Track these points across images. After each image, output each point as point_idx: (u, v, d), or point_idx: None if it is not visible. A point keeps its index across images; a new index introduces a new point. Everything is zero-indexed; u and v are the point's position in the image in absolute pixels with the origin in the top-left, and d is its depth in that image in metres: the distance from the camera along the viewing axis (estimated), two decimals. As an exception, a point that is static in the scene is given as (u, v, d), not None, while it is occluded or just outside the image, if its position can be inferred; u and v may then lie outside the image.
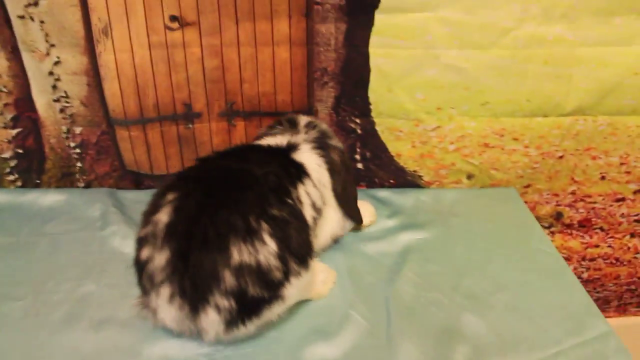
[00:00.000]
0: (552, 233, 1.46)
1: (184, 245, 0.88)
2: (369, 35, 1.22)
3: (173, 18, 1.20)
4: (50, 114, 1.29)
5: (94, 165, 1.35)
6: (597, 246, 1.47)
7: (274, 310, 0.94)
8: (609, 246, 1.47)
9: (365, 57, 1.24)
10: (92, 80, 1.24)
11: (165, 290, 0.89)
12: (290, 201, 0.97)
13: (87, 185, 1.38)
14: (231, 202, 0.91)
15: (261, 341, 0.98)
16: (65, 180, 1.37)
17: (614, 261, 1.48)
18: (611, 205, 1.41)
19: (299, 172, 1.06)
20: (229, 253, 0.87)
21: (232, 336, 0.93)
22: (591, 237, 1.46)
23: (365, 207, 1.28)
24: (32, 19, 1.18)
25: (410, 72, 1.25)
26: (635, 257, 1.48)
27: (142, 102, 1.27)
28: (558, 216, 1.44)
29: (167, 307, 0.90)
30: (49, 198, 1.34)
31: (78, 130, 1.31)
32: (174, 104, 1.28)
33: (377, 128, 1.33)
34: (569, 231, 1.46)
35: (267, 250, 0.89)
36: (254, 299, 0.89)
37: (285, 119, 1.19)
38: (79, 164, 1.35)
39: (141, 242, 0.93)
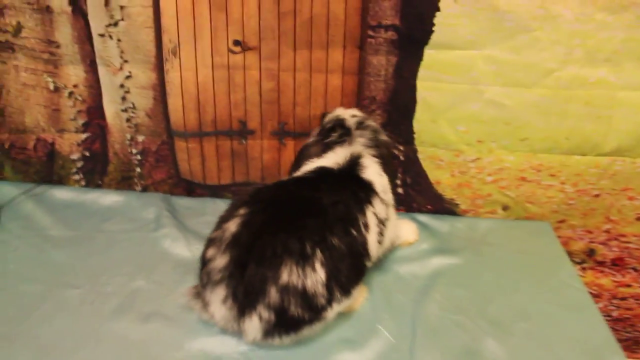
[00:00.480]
0: (584, 269, 1.49)
1: (243, 256, 0.98)
2: (418, 69, 1.29)
3: (236, 42, 1.31)
4: (117, 122, 1.41)
5: (151, 172, 1.47)
6: (629, 286, 1.48)
7: (313, 329, 1.02)
8: (642, 287, 1.48)
9: (413, 88, 1.32)
10: (158, 95, 1.36)
11: (220, 290, 0.99)
12: (354, 232, 1.05)
13: (144, 190, 1.50)
14: (292, 226, 1.00)
15: (292, 345, 1.05)
16: (124, 183, 1.49)
17: (645, 303, 1.50)
18: (646, 247, 1.43)
19: (368, 194, 1.13)
20: (279, 273, 0.96)
21: (267, 344, 1.02)
22: (623, 276, 1.48)
23: (410, 226, 1.36)
24: (110, 37, 1.31)
25: (454, 106, 1.32)
26: (667, 301, 1.49)
27: (201, 117, 1.38)
28: (591, 253, 1.47)
29: (219, 305, 1.00)
30: (109, 198, 1.47)
31: (141, 138, 1.43)
32: (230, 120, 1.39)
33: (419, 156, 1.40)
34: (600, 268, 1.48)
35: (315, 278, 0.97)
36: (293, 318, 0.98)
37: (336, 123, 1.23)
38: (138, 169, 1.47)
39: (209, 243, 1.04)
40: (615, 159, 1.34)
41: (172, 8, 1.27)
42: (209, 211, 1.43)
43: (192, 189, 1.49)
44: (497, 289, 1.22)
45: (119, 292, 1.17)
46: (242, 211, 1.03)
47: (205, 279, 1.02)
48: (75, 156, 1.46)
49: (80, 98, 1.39)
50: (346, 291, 1.03)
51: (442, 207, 1.45)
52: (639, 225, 1.41)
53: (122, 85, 1.36)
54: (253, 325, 0.98)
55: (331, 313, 1.02)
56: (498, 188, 1.41)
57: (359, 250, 1.06)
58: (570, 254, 1.39)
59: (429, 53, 1.28)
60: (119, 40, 1.31)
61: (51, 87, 1.38)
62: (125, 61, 1.33)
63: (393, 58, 1.29)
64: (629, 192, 1.38)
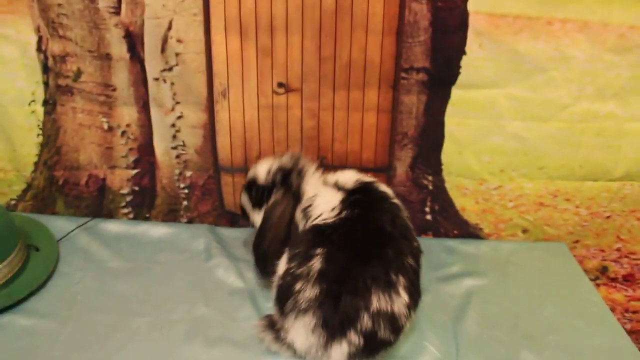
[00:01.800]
0: (598, 285, 1.62)
1: (335, 288, 1.08)
2: (446, 106, 1.43)
3: (280, 84, 1.43)
4: (167, 159, 1.52)
5: (197, 204, 1.58)
6: None
7: (387, 351, 1.13)
8: (651, 300, 1.62)
9: (441, 124, 1.45)
10: (207, 133, 1.47)
11: (308, 319, 1.08)
12: (415, 244, 1.17)
13: (189, 221, 1.60)
14: (375, 259, 1.10)
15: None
16: (171, 215, 1.60)
17: (654, 315, 1.63)
18: (653, 263, 1.57)
19: (392, 202, 1.23)
20: (370, 300, 1.06)
21: None
22: (634, 290, 1.61)
23: None
24: (164, 81, 1.42)
25: (478, 139, 1.45)
26: (675, 312, 1.62)
27: (247, 154, 1.49)
28: (603, 270, 1.60)
29: (305, 332, 1.09)
30: (158, 230, 1.56)
31: (188, 173, 1.53)
32: (273, 156, 1.50)
33: (446, 185, 1.52)
34: (613, 284, 1.61)
35: (401, 302, 1.09)
36: (381, 341, 1.08)
37: (277, 174, 1.31)
38: (185, 202, 1.57)
39: (296, 278, 1.11)
40: (624, 183, 1.48)
41: (222, 54, 1.39)
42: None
43: (235, 220, 1.59)
44: (525, 306, 1.35)
45: (184, 319, 1.26)
46: (319, 251, 1.11)
47: (289, 309, 1.10)
48: (125, 190, 1.57)
49: (132, 136, 1.50)
50: (416, 308, 1.14)
51: (467, 231, 1.58)
52: (647, 244, 1.56)
53: (173, 125, 1.47)
54: (341, 351, 1.07)
55: (402, 335, 1.13)
56: (518, 213, 1.55)
57: (420, 260, 1.17)
58: (585, 271, 1.52)
59: (456, 92, 1.41)
60: (172, 83, 1.42)
61: (105, 126, 1.49)
62: (178, 102, 1.44)
63: (423, 97, 1.43)
64: (637, 214, 1.52)
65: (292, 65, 1.41)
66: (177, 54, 1.38)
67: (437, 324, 1.28)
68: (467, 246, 1.56)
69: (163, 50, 1.38)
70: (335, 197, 1.23)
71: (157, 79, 1.42)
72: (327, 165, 1.52)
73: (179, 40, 1.37)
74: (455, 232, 1.58)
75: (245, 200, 1.37)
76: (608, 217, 1.53)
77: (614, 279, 1.61)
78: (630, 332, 1.63)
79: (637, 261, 1.58)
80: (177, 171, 1.54)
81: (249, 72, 1.41)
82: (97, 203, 1.58)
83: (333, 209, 1.20)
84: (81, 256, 1.45)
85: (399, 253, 1.13)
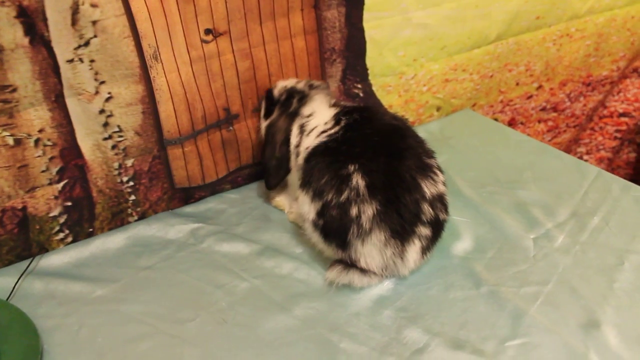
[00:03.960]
0: (492, 137, 1.91)
1: (391, 195, 1.07)
2: (362, 13, 1.48)
3: (207, 31, 1.30)
4: (98, 155, 1.27)
5: (147, 194, 1.36)
6: (521, 137, 1.96)
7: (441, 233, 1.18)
8: (527, 134, 1.97)
9: (362, 31, 1.50)
10: (148, 107, 1.27)
11: (376, 236, 1.07)
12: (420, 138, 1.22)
13: (141, 217, 1.38)
14: (404, 152, 1.12)
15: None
16: (117, 219, 1.35)
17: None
18: (525, 103, 1.91)
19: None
20: (422, 190, 1.09)
21: (421, 263, 1.15)
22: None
23: None
24: (81, 60, 1.17)
25: (393, 36, 1.55)
26: (543, 138, 2.01)
27: (192, 116, 1.33)
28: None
29: (376, 251, 1.08)
30: (116, 239, 1.32)
31: (130, 162, 1.31)
32: (217, 111, 1.37)
33: (374, 88, 1.60)
34: (503, 131, 1.92)
35: (440, 180, 1.14)
36: (443, 222, 1.14)
37: (289, 93, 1.32)
38: (132, 197, 1.35)
39: (345, 204, 1.07)
40: (497, 43, 1.75)
41: (144, 11, 1.19)
42: (225, 206, 1.42)
43: (189, 195, 1.42)
44: (488, 162, 1.55)
45: (235, 301, 1.13)
46: (351, 167, 1.08)
47: (353, 236, 1.07)
48: (55, 212, 1.27)
49: (49, 143, 1.21)
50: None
51: (398, 125, 1.69)
52: (519, 89, 1.87)
53: (102, 111, 1.23)
54: (415, 248, 1.09)
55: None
56: (432, 94, 1.71)
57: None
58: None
59: (367, -3, 1.48)
60: (91, 61, 1.17)
61: (10, 141, 1.17)
62: (102, 82, 1.20)
63: (342, 9, 1.45)
64: (508, 66, 1.82)
65: (215, 7, 1.28)
66: (93, 23, 1.14)
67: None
68: (406, 138, 1.68)
69: (74, 22, 1.12)
70: (329, 112, 1.24)
71: (71, 61, 1.16)
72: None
73: (93, 5, 1.12)
74: (389, 130, 1.68)
75: (262, 105, 1.39)
76: (491, 76, 1.80)
77: (502, 127, 1.92)
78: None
79: (514, 107, 1.90)
80: (116, 164, 1.29)
81: (174, 25, 1.24)
82: (21, 242, 1.25)
83: (327, 122, 1.20)
84: (52, 303, 1.15)
85: (416, 138, 1.19)
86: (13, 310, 1.11)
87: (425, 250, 1.12)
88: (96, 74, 1.19)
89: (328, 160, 1.12)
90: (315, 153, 1.16)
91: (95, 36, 1.16)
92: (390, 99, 1.65)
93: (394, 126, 1.19)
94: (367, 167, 1.09)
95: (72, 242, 1.31)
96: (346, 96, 1.56)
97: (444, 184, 1.16)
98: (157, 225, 1.35)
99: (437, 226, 1.13)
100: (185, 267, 1.23)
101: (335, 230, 1.10)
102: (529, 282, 1.14)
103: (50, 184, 1.24)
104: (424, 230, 1.10)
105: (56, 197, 1.26)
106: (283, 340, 1.04)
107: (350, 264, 1.11)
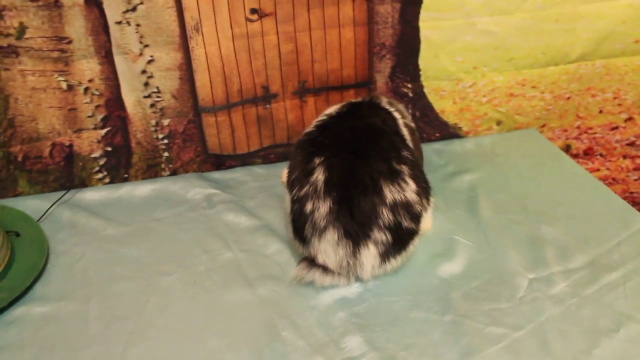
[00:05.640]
0: (562, 163, 1.76)
1: (345, 194, 1.06)
2: (419, 11, 1.44)
3: (253, 11, 1.35)
4: (139, 110, 1.40)
5: (180, 154, 1.48)
6: (598, 170, 1.79)
7: (415, 243, 1.14)
8: (607, 169, 1.79)
9: (416, 30, 1.46)
10: (184, 74, 1.37)
11: (330, 235, 1.07)
12: (408, 144, 1.18)
13: (173, 173, 1.50)
14: (373, 152, 1.10)
15: (400, 273, 1.18)
16: (151, 171, 1.49)
17: (611, 181, 1.81)
18: (608, 134, 1.73)
19: (392, 116, 1.25)
20: (383, 194, 1.06)
21: (383, 270, 1.12)
22: (593, 163, 1.78)
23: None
24: (128, 23, 1.29)
25: (452, 40, 1.49)
26: (627, 176, 1.81)
27: (228, 89, 1.41)
28: (567, 148, 1.74)
29: (332, 249, 1.08)
30: (144, 188, 1.45)
31: (166, 122, 1.43)
32: (254, 87, 1.44)
33: (425, 90, 1.55)
34: (576, 160, 1.76)
35: (410, 189, 1.10)
36: (407, 231, 1.10)
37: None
38: (165, 154, 1.47)
39: (303, 199, 1.09)
40: (580, 64, 1.60)
41: (190, -15, 1.28)
42: (249, 179, 1.49)
43: (221, 162, 1.52)
44: (524, 188, 1.44)
45: (213, 267, 1.21)
46: (317, 160, 1.09)
47: (310, 233, 1.08)
48: (96, 154, 1.43)
49: (97, 92, 1.36)
50: (428, 197, 1.15)
51: (448, 132, 1.64)
52: (601, 117, 1.70)
53: (144, 71, 1.35)
54: (370, 254, 1.07)
55: (423, 222, 1.14)
56: (492, 106, 1.62)
57: (417, 159, 1.19)
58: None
59: (427, -5, 1.43)
60: (138, 25, 1.29)
61: (64, 86, 1.33)
62: (146, 46, 1.32)
63: (397, 4, 1.42)
64: (591, 91, 1.65)
65: (263, -12, 1.33)
66: (140, -9, 1.25)
67: (458, 218, 1.33)
68: (452, 146, 1.62)
69: (124, -12, 1.24)
70: (325, 112, 1.25)
71: (119, 23, 1.28)
72: (308, 89, 1.49)
73: (142, -25, 1.24)
74: (437, 134, 1.63)
75: None
76: (568, 98, 1.65)
77: (576, 155, 1.76)
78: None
79: (594, 135, 1.73)
80: (153, 122, 1.42)
81: (219, 1, 1.32)
82: (66, 174, 1.43)
83: (319, 121, 1.21)
84: (71, 232, 1.32)
85: (394, 144, 1.13)
86: (38, 230, 1.29)
87: (385, 256, 1.09)
88: (141, 37, 1.31)
89: (301, 153, 1.14)
90: (297, 144, 1.18)
91: (141, 3, 1.27)
92: (444, 104, 1.59)
93: (372, 126, 1.17)
94: (330, 163, 1.08)
95: (109, 183, 1.47)
96: (394, 94, 1.54)
97: (417, 194, 1.10)
98: (182, 184, 1.46)
99: (400, 234, 1.09)
100: (187, 227, 1.33)
101: (297, 225, 1.11)
102: (499, 323, 1.07)
103: (94, 128, 1.40)
104: (381, 236, 1.07)
105: (99, 141, 1.42)
106: (235, 314, 1.09)
107: (313, 262, 1.12)
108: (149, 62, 1.34)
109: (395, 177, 1.08)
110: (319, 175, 1.08)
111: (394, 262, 1.12)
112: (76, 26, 1.27)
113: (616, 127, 1.72)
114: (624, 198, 1.77)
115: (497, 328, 1.06)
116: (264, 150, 1.54)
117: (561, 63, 1.59)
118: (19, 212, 1.33)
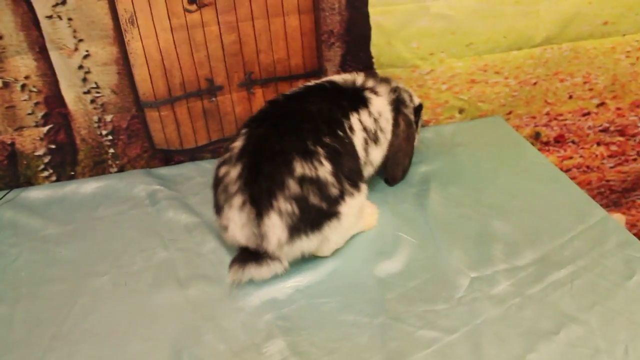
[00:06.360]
0: (533, 151, 1.69)
1: (254, 160, 1.06)
2: (368, -4, 1.37)
3: (191, 1, 1.30)
4: (80, 107, 1.37)
5: (125, 149, 1.44)
6: (571, 158, 1.71)
7: (333, 227, 1.09)
8: (581, 156, 1.71)
9: (366, 16, 1.40)
10: (122, 68, 1.33)
11: (237, 200, 1.05)
12: (340, 133, 1.14)
13: (120, 170, 1.47)
14: (292, 130, 1.09)
15: (332, 268, 1.15)
16: (98, 167, 1.46)
17: (585, 169, 1.73)
18: (579, 120, 1.65)
19: (355, 103, 1.21)
20: (292, 166, 1.04)
21: (294, 249, 1.07)
22: (565, 150, 1.70)
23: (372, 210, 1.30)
24: (60, 17, 1.25)
25: (405, 25, 1.42)
26: (602, 163, 1.73)
27: (169, 83, 1.37)
28: (537, 136, 1.67)
29: (237, 215, 1.05)
30: (89, 186, 1.42)
31: (109, 118, 1.39)
32: (198, 80, 1.39)
33: (380, 78, 1.49)
34: (547, 148, 1.69)
35: (325, 170, 1.07)
36: (314, 208, 1.05)
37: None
38: (111, 150, 1.44)
39: (220, 165, 1.11)
40: (545, 48, 1.52)
41: (121, -24, 1.23)
42: (195, 174, 1.45)
43: (169, 157, 1.48)
44: (481, 180, 1.38)
45: (147, 267, 1.18)
46: (244, 130, 1.13)
47: (222, 198, 1.08)
48: (40, 152, 1.40)
49: (35, 89, 1.32)
50: (354, 183, 1.12)
51: (408, 122, 1.57)
52: (572, 103, 1.62)
53: (80, 67, 1.31)
54: (273, 224, 1.03)
55: (347, 208, 1.10)
56: (453, 94, 1.55)
57: (352, 148, 1.16)
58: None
59: (376, -21, 1.36)
60: (69, 19, 1.25)
61: (0, 83, 1.30)
62: (80, 40, 1.28)
63: (344, -10, 1.36)
64: (559, 75, 1.58)
65: (200, -23, 1.28)
66: (68, -17, 1.21)
67: (405, 213, 1.28)
68: (410, 137, 1.56)
69: (50, -20, 1.20)
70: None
71: (50, 17, 1.24)
72: (255, 80, 1.44)
73: (67, -34, 1.19)
74: (396, 125, 1.57)
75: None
76: (535, 83, 1.58)
77: (546, 143, 1.69)
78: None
79: (564, 122, 1.66)
80: (95, 118, 1.39)
81: (154, -9, 1.27)
82: (10, 173, 1.41)
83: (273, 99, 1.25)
84: (10, 232, 1.29)
85: (316, 130, 1.11)
86: (-24, 231, 1.28)
87: (293, 231, 1.04)
88: (74, 31, 1.27)
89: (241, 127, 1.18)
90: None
91: (71, -5, 1.23)
92: (401, 93, 1.53)
93: (305, 113, 1.15)
94: (252, 133, 1.11)
95: (56, 181, 1.44)
96: (347, 83, 1.48)
97: (332, 174, 1.08)
98: (128, 181, 1.43)
99: (307, 210, 1.05)
100: (127, 225, 1.30)
101: (215, 192, 1.12)
102: (433, 326, 1.02)
103: (36, 126, 1.37)
104: (286, 207, 1.03)
105: (41, 139, 1.39)
106: (160, 317, 1.06)
107: (243, 259, 1.08)
108: (85, 57, 1.30)
109: (309, 156, 1.06)
110: (238, 143, 1.09)
111: (306, 242, 1.07)
112: (5, 21, 1.23)
113: (588, 113, 1.64)
114: (600, 186, 1.71)
115: (429, 331, 1.01)
116: (213, 145, 1.50)
117: (525, 47, 1.51)
118: (-41, 213, 1.32)
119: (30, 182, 1.43)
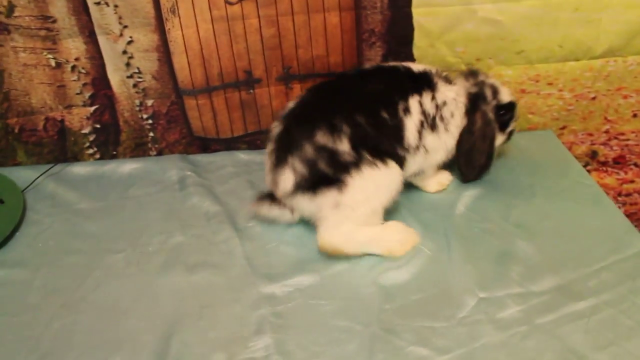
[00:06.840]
0: (589, 171, 1.56)
1: (292, 122, 1.17)
2: (411, -4, 1.33)
3: (232, -7, 1.32)
4: (124, 90, 1.43)
5: (164, 134, 1.49)
6: (632, 182, 1.57)
7: (328, 195, 1.12)
8: (643, 180, 1.57)
9: (409, 16, 1.35)
10: (162, 56, 1.37)
11: (269, 147, 1.19)
12: (384, 115, 1.16)
13: (159, 153, 1.52)
14: (332, 104, 1.17)
15: (337, 270, 1.13)
16: (139, 149, 1.52)
17: (646, 195, 1.59)
18: (643, 141, 1.51)
19: (419, 86, 1.21)
20: (314, 133, 1.12)
21: (294, 201, 1.16)
22: (626, 173, 1.56)
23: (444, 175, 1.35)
24: (107, 4, 1.31)
25: (450, 28, 1.36)
26: (667, 189, 1.58)
27: (207, 73, 1.40)
28: (593, 155, 1.54)
29: (268, 160, 1.19)
30: (127, 166, 1.48)
31: (150, 102, 1.44)
32: (236, 72, 1.41)
33: (422, 82, 1.44)
34: (604, 168, 1.56)
35: (344, 146, 1.12)
36: (321, 174, 1.12)
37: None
38: (151, 134, 1.49)
39: (275, 122, 1.22)
40: (607, 60, 1.40)
41: (165, -34, 1.27)
42: (228, 163, 1.47)
43: (207, 145, 1.52)
44: (516, 196, 1.30)
45: (160, 250, 1.21)
46: (302, 94, 1.23)
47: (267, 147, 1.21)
48: (86, 130, 1.48)
49: (83, 71, 1.40)
50: (378, 155, 1.14)
51: (449, 129, 1.51)
52: (636, 122, 1.49)
53: (124, 52, 1.37)
54: (286, 176, 1.14)
55: (358, 180, 1.12)
56: (500, 103, 1.47)
57: (391, 130, 1.17)
58: (574, 158, 1.46)
59: (421, -21, 1.31)
60: (115, 6, 1.31)
61: (53, 63, 1.39)
62: (125, 27, 1.34)
63: (387, -12, 1.32)
64: (623, 91, 1.45)
65: (242, -30, 1.30)
66: (115, -29, 1.27)
67: (427, 222, 1.23)
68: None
69: (99, -32, 1.26)
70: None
71: (98, 3, 1.31)
72: (294, 75, 1.43)
73: (115, -45, 1.25)
74: (437, 132, 1.51)
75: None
76: (593, 98, 1.46)
77: (604, 163, 1.56)
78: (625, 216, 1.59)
79: (626, 142, 1.52)
80: (137, 101, 1.44)
81: (196, -18, 1.30)
82: (59, 147, 1.50)
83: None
84: (48, 203, 1.38)
85: (354, 108, 1.15)
86: (19, 199, 1.37)
87: (298, 187, 1.14)
88: (120, 18, 1.33)
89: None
90: None
91: (117, -17, 1.28)
92: (444, 98, 1.46)
93: (360, 86, 1.21)
94: (303, 97, 1.22)
95: (100, 159, 1.52)
96: (387, 85, 1.44)
97: (351, 152, 1.12)
98: (163, 164, 1.47)
99: (314, 174, 1.12)
100: (153, 207, 1.34)
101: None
102: (426, 343, 0.97)
103: (83, 105, 1.45)
104: (299, 166, 1.13)
105: (88, 118, 1.46)
106: (162, 299, 1.09)
107: (263, 198, 1.23)
108: (129, 42, 1.36)
109: (332, 131, 1.13)
110: (291, 104, 1.21)
111: (301, 201, 1.15)
112: (58, 6, 1.31)
113: (654, 134, 1.50)
114: (660, 216, 1.56)
115: (421, 348, 0.97)
116: (249, 136, 1.51)
117: (583, 58, 1.40)
118: (10, 181, 1.41)
119: (76, 158, 1.51)
